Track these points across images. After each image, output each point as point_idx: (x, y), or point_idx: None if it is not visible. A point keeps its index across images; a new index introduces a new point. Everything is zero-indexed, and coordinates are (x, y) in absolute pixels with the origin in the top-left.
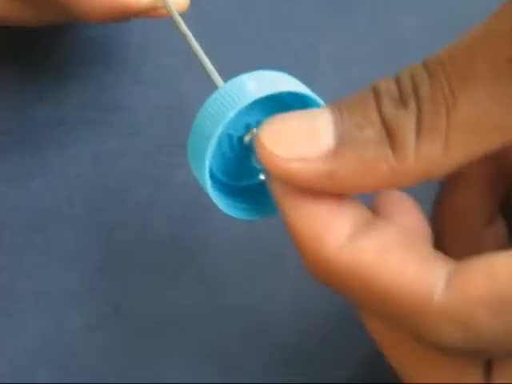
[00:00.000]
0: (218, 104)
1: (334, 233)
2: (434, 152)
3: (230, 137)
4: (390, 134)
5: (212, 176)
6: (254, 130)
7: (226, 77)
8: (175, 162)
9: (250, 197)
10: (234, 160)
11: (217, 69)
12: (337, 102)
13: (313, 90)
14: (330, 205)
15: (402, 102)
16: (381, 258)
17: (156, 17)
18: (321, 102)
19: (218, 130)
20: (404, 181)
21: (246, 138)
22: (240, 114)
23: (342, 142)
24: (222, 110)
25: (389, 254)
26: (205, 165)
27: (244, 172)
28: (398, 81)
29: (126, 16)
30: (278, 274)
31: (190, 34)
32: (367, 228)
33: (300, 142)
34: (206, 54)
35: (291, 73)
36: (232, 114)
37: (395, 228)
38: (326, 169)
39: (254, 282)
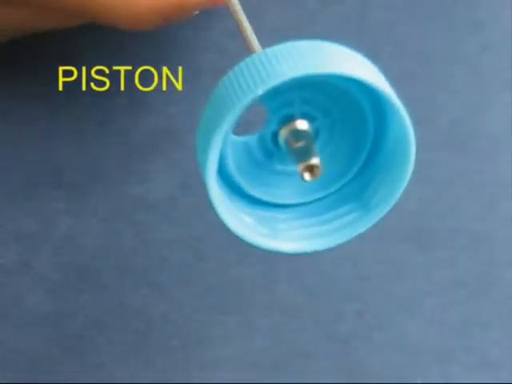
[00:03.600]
0: (246, 75)
1: None
2: None
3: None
4: None
5: (224, 175)
6: (298, 122)
7: None
8: (55, 208)
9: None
10: (258, 157)
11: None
12: None
13: None
14: None
15: None
16: None
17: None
18: (392, 94)
19: (237, 108)
20: None
21: (282, 133)
22: (279, 95)
23: None
24: (250, 82)
25: None
26: (209, 153)
27: (266, 180)
28: None
29: (189, 10)
30: None
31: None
32: None
33: None
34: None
35: None
36: (258, 91)
37: None
38: None
39: None
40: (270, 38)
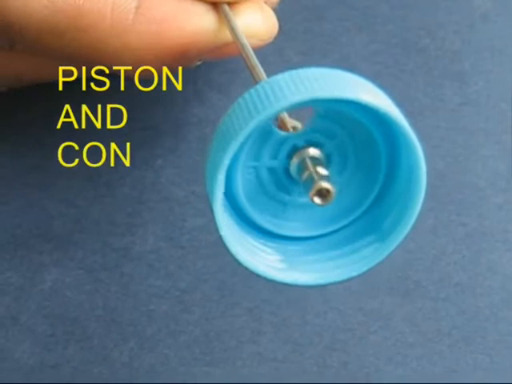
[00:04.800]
0: (250, 103)
1: None
2: None
3: (278, 147)
4: None
5: (235, 207)
6: (310, 150)
7: None
8: (41, 260)
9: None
10: (269, 185)
11: None
12: None
13: None
14: None
15: None
16: None
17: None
18: (402, 121)
19: (245, 131)
20: None
21: (294, 160)
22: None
23: None
24: (257, 106)
25: None
26: (217, 177)
27: (276, 211)
28: None
29: (192, 59)
30: None
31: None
32: None
33: None
34: None
35: None
36: (265, 115)
37: None
38: None
39: None
40: None
